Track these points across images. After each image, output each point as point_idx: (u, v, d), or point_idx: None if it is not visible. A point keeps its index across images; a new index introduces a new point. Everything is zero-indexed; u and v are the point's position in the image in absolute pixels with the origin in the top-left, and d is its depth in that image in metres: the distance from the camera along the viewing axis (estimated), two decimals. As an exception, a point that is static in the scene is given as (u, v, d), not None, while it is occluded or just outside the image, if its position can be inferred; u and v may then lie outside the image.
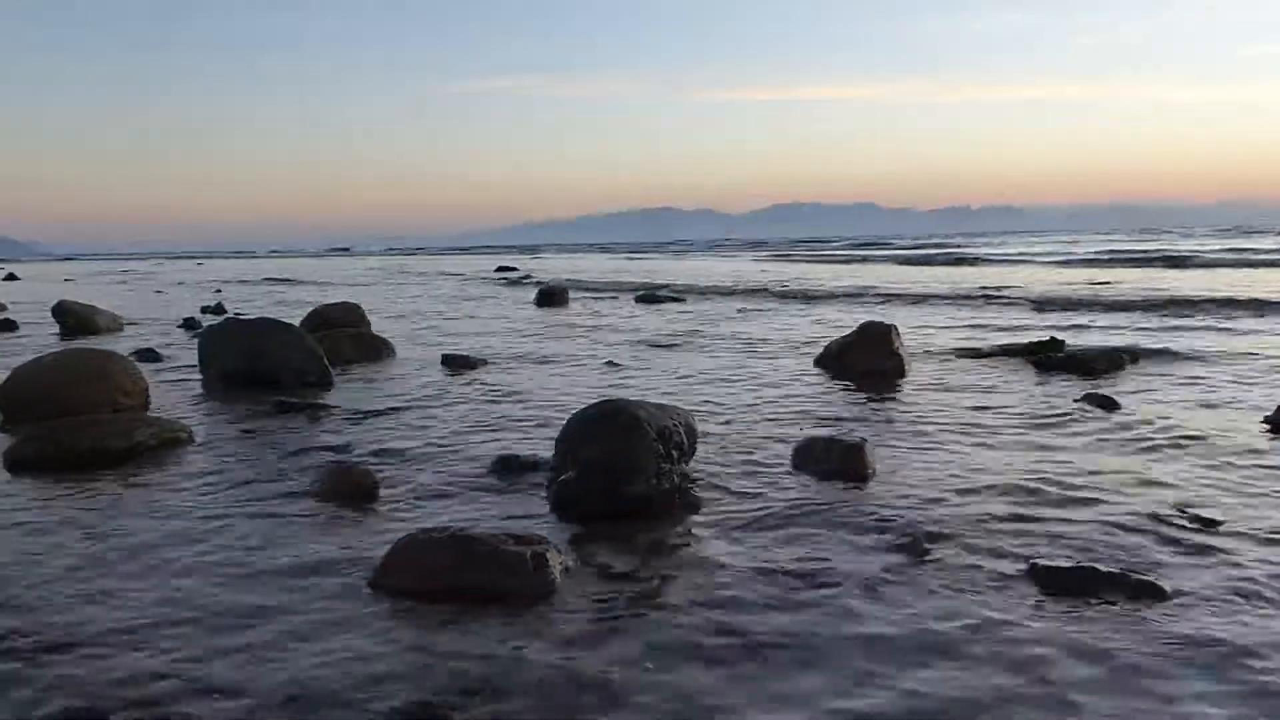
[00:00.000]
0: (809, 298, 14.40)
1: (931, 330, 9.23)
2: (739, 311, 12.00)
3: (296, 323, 7.69)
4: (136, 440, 4.19)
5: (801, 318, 11.12)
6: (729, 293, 15.88)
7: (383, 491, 3.59)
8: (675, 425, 3.47)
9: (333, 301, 10.38)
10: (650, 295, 14.23)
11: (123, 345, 8.89)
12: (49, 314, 11.20)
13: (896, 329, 6.80)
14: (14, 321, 11.35)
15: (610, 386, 6.08)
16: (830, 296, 14.42)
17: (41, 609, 2.48)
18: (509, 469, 3.83)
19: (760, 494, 3.49)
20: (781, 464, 3.90)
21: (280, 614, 2.42)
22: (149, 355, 7.77)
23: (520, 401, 5.57)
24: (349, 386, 6.28)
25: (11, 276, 31.95)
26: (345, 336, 7.63)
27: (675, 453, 3.43)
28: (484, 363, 7.17)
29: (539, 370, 6.95)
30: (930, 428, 4.69)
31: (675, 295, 14.62)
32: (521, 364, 7.31)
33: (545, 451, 4.07)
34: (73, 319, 10.59)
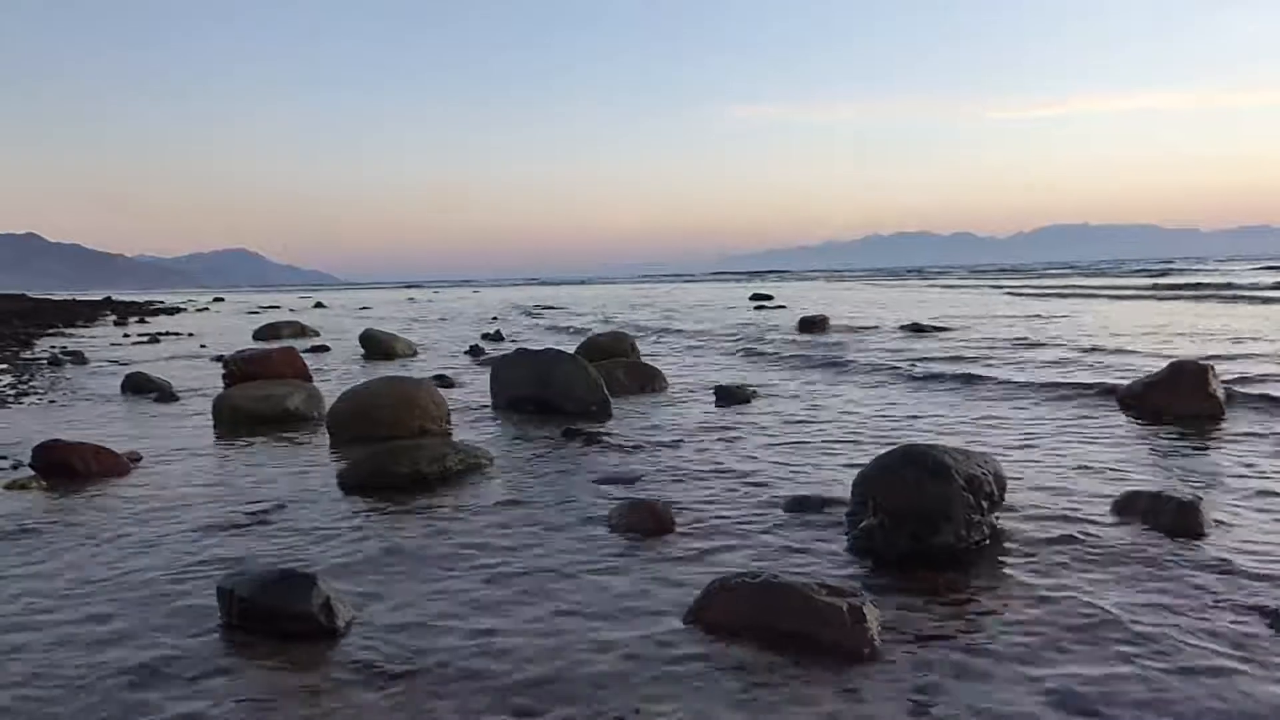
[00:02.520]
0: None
1: (1246, 368, 8.25)
2: (1017, 342, 11.30)
3: (571, 349, 8.05)
4: (446, 465, 4.51)
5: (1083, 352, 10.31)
6: (1006, 321, 15.04)
7: (678, 516, 3.65)
8: (984, 473, 3.27)
9: (602, 332, 10.77)
10: (916, 326, 13.73)
11: (419, 370, 9.69)
12: (352, 338, 12.45)
13: (1213, 368, 6.13)
14: (327, 346, 12.69)
15: (896, 426, 5.84)
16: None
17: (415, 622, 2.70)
18: (802, 507, 3.76)
19: (1078, 546, 3.22)
20: (1100, 516, 3.58)
21: (608, 649, 2.48)
22: (444, 381, 8.39)
23: (801, 436, 5.49)
24: (627, 415, 6.46)
25: (320, 304, 35.82)
26: (620, 365, 7.89)
27: (984, 502, 3.24)
28: (756, 395, 7.16)
29: (814, 403, 6.84)
30: (1268, 482, 4.16)
31: (940, 325, 14.03)
32: (795, 396, 7.23)
33: (836, 489, 3.98)
34: (375, 346, 11.65)
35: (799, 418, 6.15)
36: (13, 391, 8.43)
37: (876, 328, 14.55)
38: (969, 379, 7.77)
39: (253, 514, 3.97)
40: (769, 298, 29.65)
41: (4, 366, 11.01)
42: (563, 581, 3.03)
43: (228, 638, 2.58)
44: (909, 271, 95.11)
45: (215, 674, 2.36)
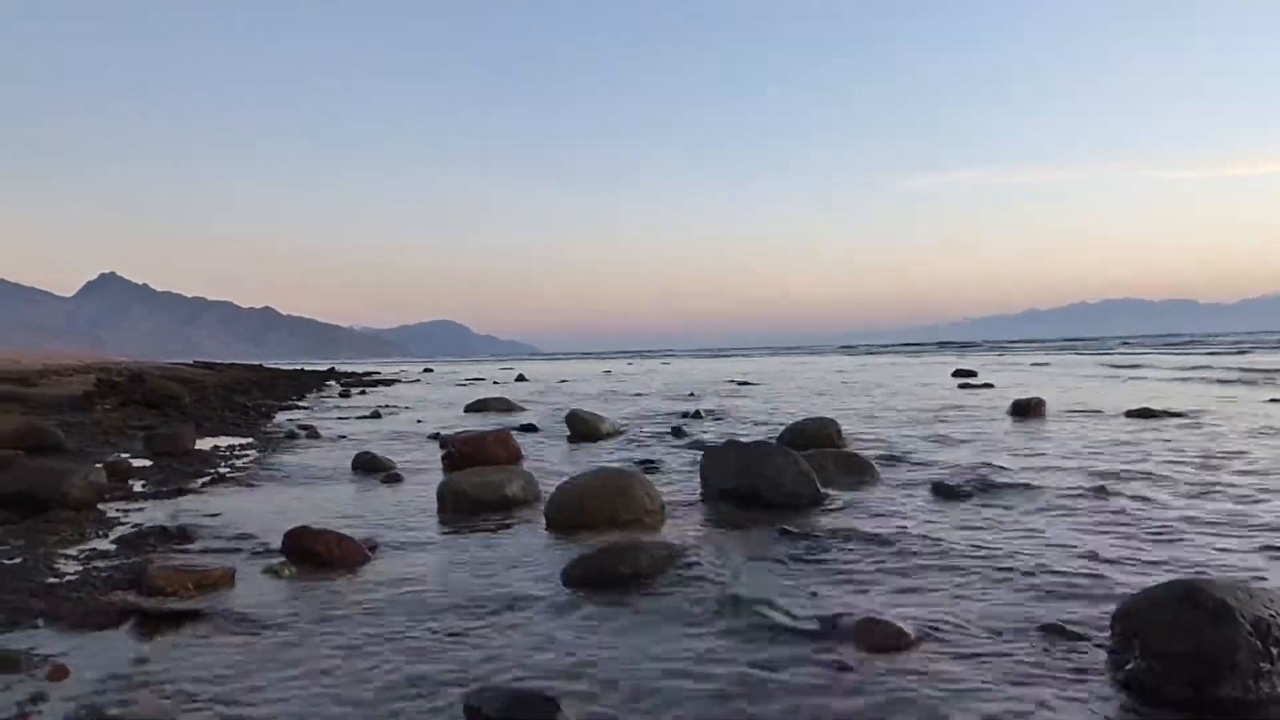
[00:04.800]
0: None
1: None
2: (1264, 430, 10.25)
3: (776, 428, 7.93)
4: (667, 567, 4.51)
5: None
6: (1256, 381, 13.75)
7: (914, 640, 3.47)
8: (1274, 615, 2.93)
9: (809, 417, 10.59)
10: (1145, 411, 12.74)
11: (624, 451, 9.82)
12: (557, 414, 12.83)
13: None
14: (535, 425, 13.13)
15: (1152, 539, 5.33)
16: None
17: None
18: (1056, 634, 3.49)
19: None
20: None
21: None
22: (652, 466, 8.47)
23: (1035, 543, 5.14)
24: (840, 510, 6.28)
25: (521, 377, 37.32)
26: (830, 456, 7.71)
27: (1275, 649, 2.89)
28: (981, 490, 6.79)
29: (1046, 506, 6.38)
30: None
31: (1172, 410, 12.97)
32: (1024, 491, 6.79)
33: (1077, 606, 3.68)
34: (580, 425, 11.94)
35: (1030, 521, 5.77)
36: (259, 468, 9.16)
37: (1099, 411, 13.62)
38: (1224, 488, 7.00)
39: (484, 610, 4.09)
40: (973, 374, 28.45)
41: (251, 440, 12.01)
42: (789, 698, 2.92)
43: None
44: (1117, 341, 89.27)
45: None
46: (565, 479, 6.42)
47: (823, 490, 6.60)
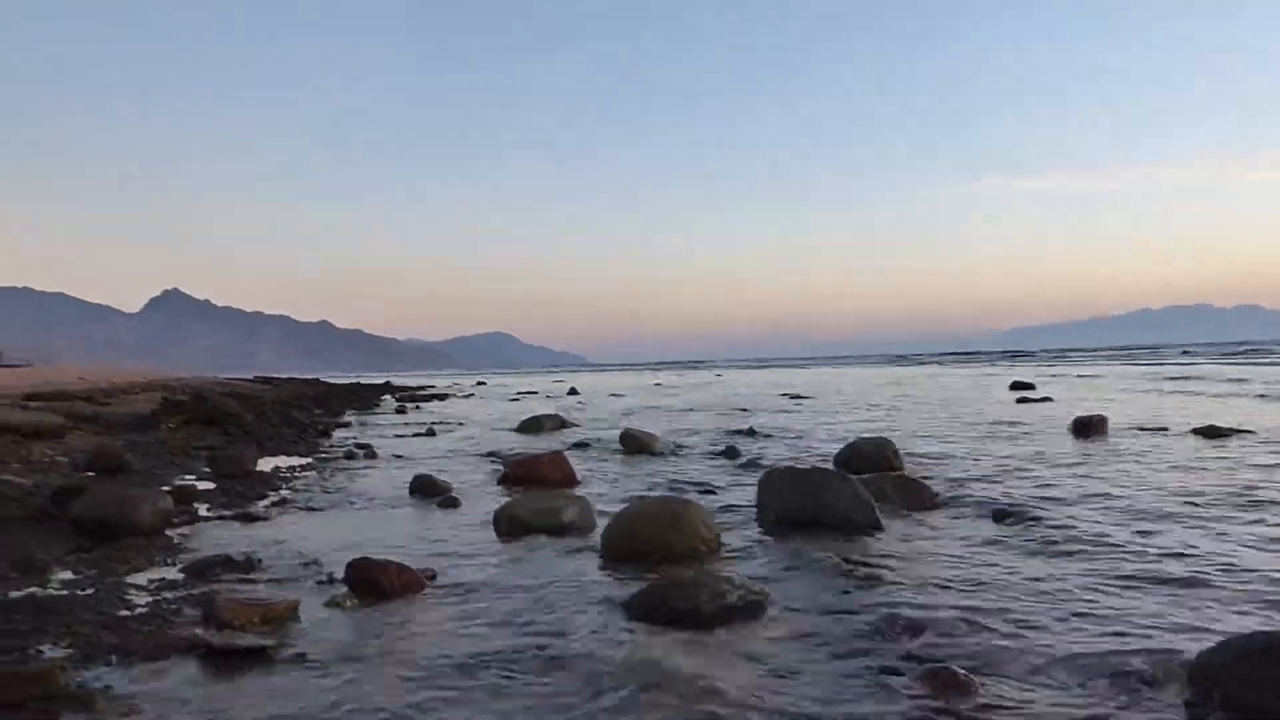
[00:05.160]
0: None
1: None
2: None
3: (831, 448, 7.83)
4: (727, 603, 4.48)
5: None
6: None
7: (982, 688, 3.39)
8: (1363, 670, 2.81)
9: (866, 436, 10.48)
10: (1212, 429, 12.37)
11: (678, 471, 9.79)
12: (609, 431, 12.88)
13: None
14: (588, 442, 13.19)
15: (1229, 575, 5.08)
16: None
17: None
18: (1135, 679, 3.38)
19: None
20: None
21: None
22: (708, 488, 8.45)
23: (1099, 573, 5.02)
24: (900, 538, 6.20)
25: (573, 390, 37.51)
26: (889, 480, 7.61)
27: (1366, 706, 2.78)
28: (1043, 512, 6.64)
29: (1110, 527, 6.24)
30: None
31: (1244, 428, 12.59)
32: (1087, 515, 6.64)
33: (1169, 654, 3.56)
34: (634, 444, 11.97)
35: (1084, 548, 5.63)
36: (319, 490, 9.31)
37: (1164, 429, 13.28)
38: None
39: (544, 643, 4.10)
40: (1030, 387, 27.95)
41: (310, 460, 12.21)
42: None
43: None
44: (1178, 350, 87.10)
45: None
46: (620, 505, 6.42)
47: (881, 518, 6.53)
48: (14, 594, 4.95)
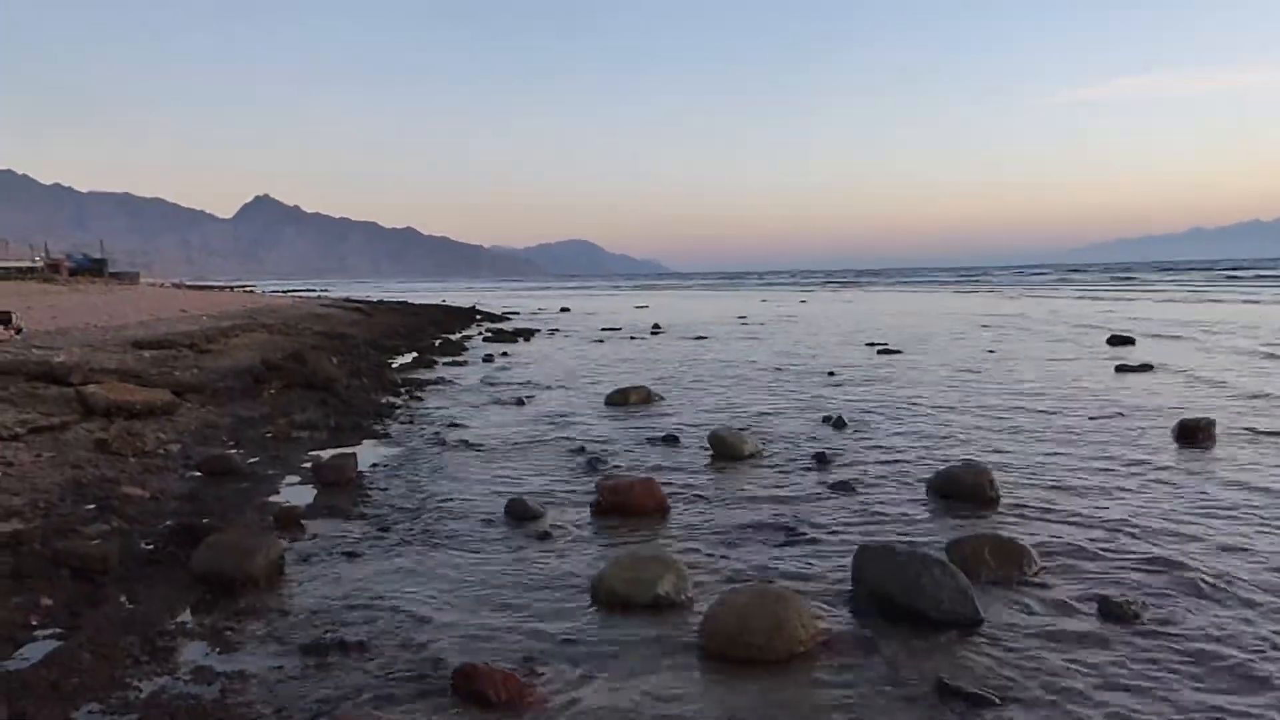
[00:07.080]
0: None
1: None
2: None
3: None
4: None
5: None
6: None
7: None
8: None
9: (963, 462, 10.24)
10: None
11: (764, 486, 9.70)
12: (695, 407, 12.94)
13: None
14: (677, 437, 13.25)
15: None
16: None
17: None
18: None
19: None
20: None
21: None
22: (799, 535, 8.40)
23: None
24: (1004, 632, 6.11)
25: (657, 328, 37.45)
26: (985, 546, 7.41)
27: None
28: (1157, 608, 6.40)
29: (1248, 639, 5.96)
30: None
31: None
32: (1225, 612, 6.39)
33: None
34: (722, 446, 11.97)
35: (1225, 651, 5.46)
36: (411, 506, 9.59)
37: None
38: None
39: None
40: (1130, 342, 26.98)
41: (401, 450, 12.55)
42: None
43: None
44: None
45: None
46: (715, 548, 6.46)
47: (974, 582, 6.61)
48: (145, 686, 5.25)
